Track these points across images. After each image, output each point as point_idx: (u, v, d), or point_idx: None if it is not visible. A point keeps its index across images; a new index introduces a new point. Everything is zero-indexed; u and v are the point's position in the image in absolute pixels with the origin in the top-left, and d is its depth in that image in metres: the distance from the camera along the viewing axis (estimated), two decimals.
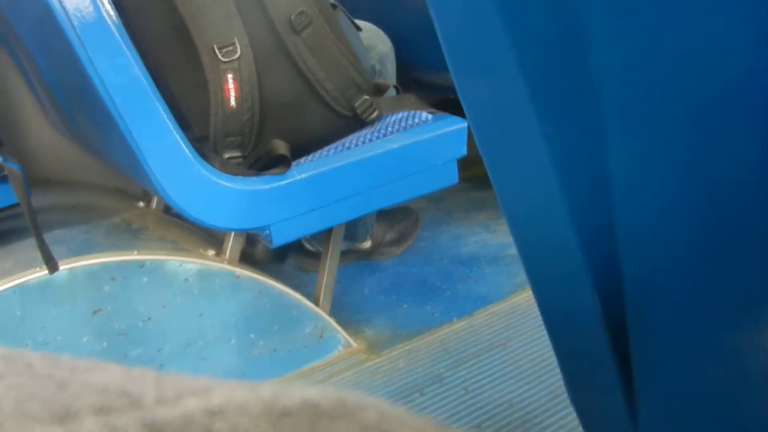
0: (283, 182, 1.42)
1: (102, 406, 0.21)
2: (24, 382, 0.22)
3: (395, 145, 1.52)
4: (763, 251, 0.53)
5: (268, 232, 1.43)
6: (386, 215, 2.07)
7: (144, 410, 0.21)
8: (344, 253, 1.97)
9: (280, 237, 1.45)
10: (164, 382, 0.22)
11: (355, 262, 2.02)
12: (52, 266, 1.31)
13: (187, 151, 1.36)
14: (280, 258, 2.07)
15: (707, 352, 0.60)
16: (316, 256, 1.90)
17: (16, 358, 0.24)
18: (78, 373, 0.23)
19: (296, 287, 1.60)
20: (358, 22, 1.75)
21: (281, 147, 1.43)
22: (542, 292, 0.65)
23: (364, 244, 1.99)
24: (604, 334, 0.62)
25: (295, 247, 2.02)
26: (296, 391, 0.22)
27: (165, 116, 1.34)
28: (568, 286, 0.61)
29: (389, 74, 1.80)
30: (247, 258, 1.95)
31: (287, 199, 1.43)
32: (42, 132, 2.06)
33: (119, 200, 1.98)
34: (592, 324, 0.62)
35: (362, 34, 1.72)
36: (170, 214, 1.85)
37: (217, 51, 1.39)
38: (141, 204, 1.94)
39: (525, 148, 0.55)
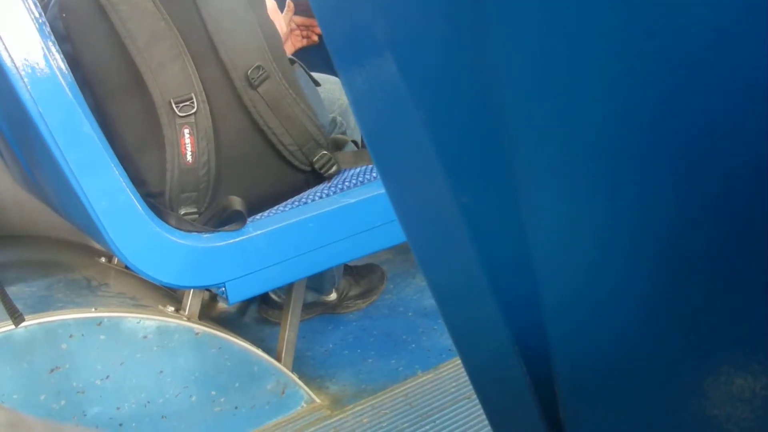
0: (238, 239, 1.41)
1: None
2: None
3: (352, 200, 1.50)
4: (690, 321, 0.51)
5: (223, 289, 1.41)
6: (351, 271, 2.06)
7: None
8: (310, 306, 1.95)
9: (235, 294, 1.43)
10: None
11: (320, 316, 2.00)
12: (18, 319, 1.28)
13: (140, 207, 1.35)
14: (244, 309, 2.04)
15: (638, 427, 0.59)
16: (281, 307, 1.88)
17: (20, 426, 0.24)
18: None
19: (259, 341, 1.57)
20: (322, 75, 1.75)
21: (237, 203, 1.41)
22: (470, 363, 0.64)
23: (330, 296, 1.97)
24: (533, 402, 0.61)
25: (259, 297, 2.00)
26: None
27: (117, 173, 1.32)
28: (495, 358, 0.60)
29: (352, 127, 1.79)
30: (210, 311, 1.93)
31: (243, 256, 1.42)
32: (4, 187, 2.04)
33: (81, 256, 1.96)
34: (522, 394, 0.61)
35: (325, 86, 1.72)
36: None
37: (174, 106, 1.38)
38: (103, 259, 1.92)
39: (441, 218, 0.54)
